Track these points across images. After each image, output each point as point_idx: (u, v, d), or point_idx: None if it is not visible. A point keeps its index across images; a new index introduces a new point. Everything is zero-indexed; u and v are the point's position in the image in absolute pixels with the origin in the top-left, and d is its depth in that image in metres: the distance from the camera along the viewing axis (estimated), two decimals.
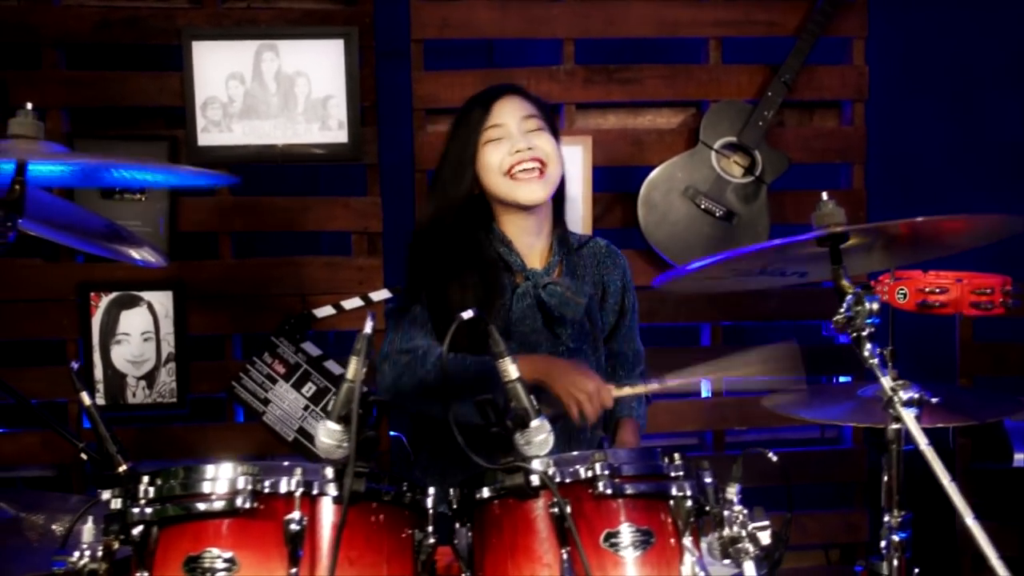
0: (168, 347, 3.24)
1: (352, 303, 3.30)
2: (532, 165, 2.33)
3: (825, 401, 2.45)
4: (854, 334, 1.85)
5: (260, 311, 3.30)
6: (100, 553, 1.58)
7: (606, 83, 3.38)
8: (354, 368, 1.62)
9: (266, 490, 1.57)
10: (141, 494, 1.59)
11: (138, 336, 3.22)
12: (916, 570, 1.91)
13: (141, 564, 1.55)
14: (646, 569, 1.62)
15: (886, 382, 1.79)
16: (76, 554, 1.58)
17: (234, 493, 1.55)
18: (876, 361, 1.81)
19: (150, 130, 3.26)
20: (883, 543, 1.87)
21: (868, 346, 1.83)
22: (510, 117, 2.37)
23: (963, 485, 3.34)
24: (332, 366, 3.28)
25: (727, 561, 1.67)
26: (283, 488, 1.57)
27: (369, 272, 3.32)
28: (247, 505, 1.54)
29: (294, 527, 1.53)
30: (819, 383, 3.64)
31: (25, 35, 3.17)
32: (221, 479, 1.58)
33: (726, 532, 1.68)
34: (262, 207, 3.28)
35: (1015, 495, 3.27)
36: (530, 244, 2.41)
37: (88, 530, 1.61)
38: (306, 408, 3.28)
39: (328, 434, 1.60)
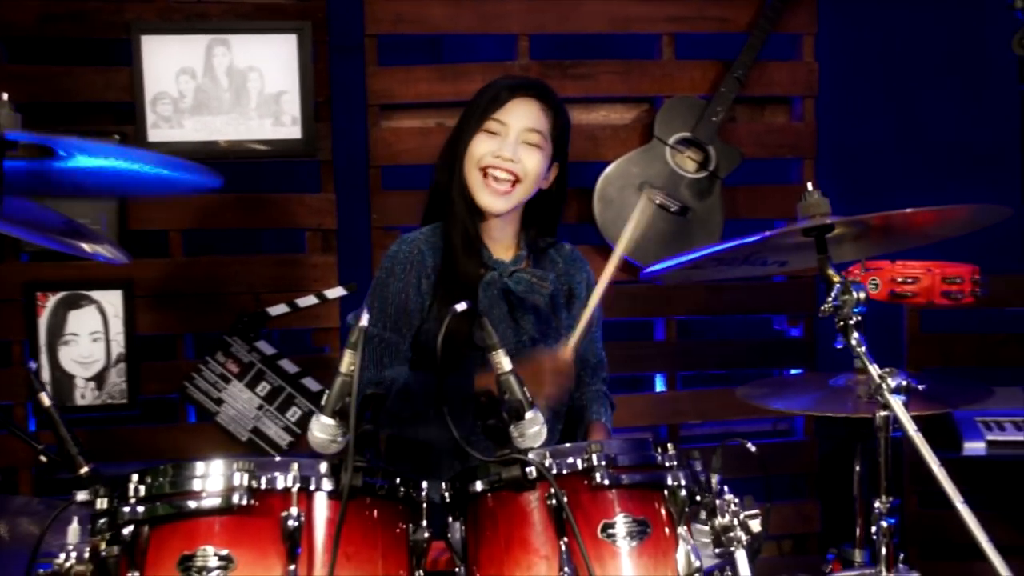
0: (118, 347, 3.17)
1: (307, 301, 3.26)
2: (505, 176, 2.31)
3: (796, 392, 2.48)
4: (840, 323, 1.87)
5: (212, 310, 3.25)
6: (87, 554, 1.54)
7: (560, 78, 3.37)
8: (348, 361, 1.59)
9: (263, 486, 1.54)
10: (131, 493, 1.55)
11: (87, 336, 3.15)
12: (902, 555, 1.94)
13: (132, 564, 1.52)
14: (643, 559, 1.63)
15: (874, 370, 1.82)
16: (62, 556, 1.54)
17: (230, 490, 1.52)
18: (863, 349, 1.84)
19: (98, 126, 3.19)
20: (873, 529, 1.90)
21: (855, 335, 1.85)
22: (517, 119, 2.33)
23: (909, 474, 3.45)
24: (287, 365, 3.24)
25: (718, 550, 1.68)
26: (280, 484, 1.55)
27: (324, 269, 3.29)
28: (244, 502, 1.52)
29: (292, 523, 1.51)
30: (775, 376, 3.70)
31: None
32: (216, 476, 1.55)
33: (718, 521, 1.69)
34: (214, 204, 3.23)
35: (961, 483, 3.33)
36: (496, 238, 2.40)
37: (73, 531, 1.57)
38: (260, 408, 3.23)
39: (322, 429, 1.58)
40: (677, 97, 3.37)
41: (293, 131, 3.20)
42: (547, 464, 1.63)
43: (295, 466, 1.56)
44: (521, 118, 2.34)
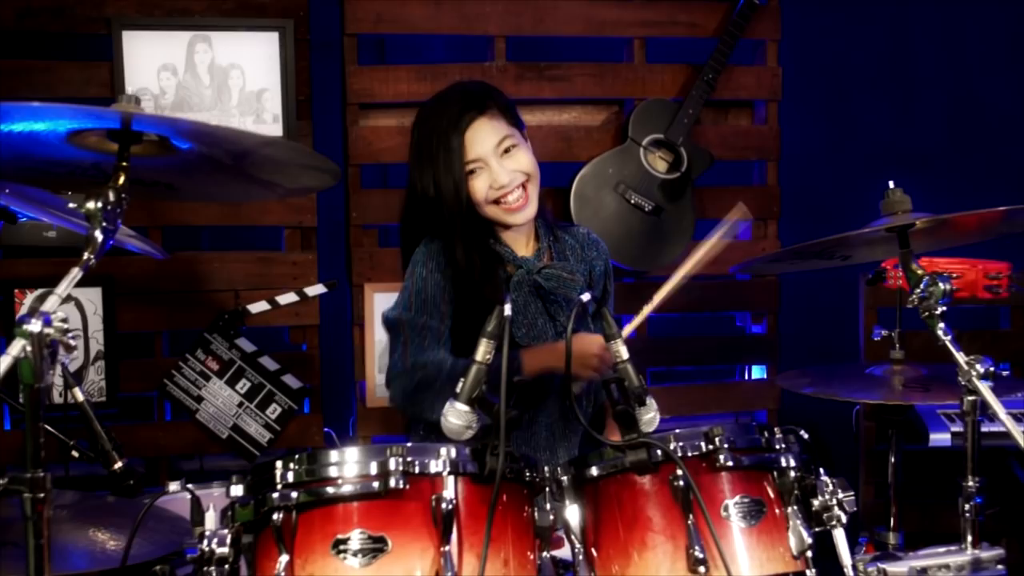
0: (97, 345, 3.15)
1: (287, 298, 3.27)
2: (517, 193, 2.34)
3: (837, 381, 2.58)
4: (925, 313, 1.97)
5: (192, 307, 3.24)
6: (229, 540, 1.56)
7: (537, 80, 3.45)
8: (485, 349, 1.64)
9: (416, 471, 1.57)
10: (279, 479, 1.57)
11: None
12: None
13: (282, 548, 1.54)
14: (761, 538, 1.70)
15: (961, 357, 1.92)
16: (204, 542, 1.55)
17: (386, 474, 1.55)
18: (949, 338, 1.94)
19: None
20: (966, 506, 1.97)
21: (941, 325, 1.95)
22: (484, 148, 2.32)
23: (869, 465, 3.58)
24: (267, 362, 3.25)
25: (816, 529, 1.76)
26: (432, 468, 1.58)
27: (303, 267, 3.31)
28: (400, 485, 1.55)
29: (445, 506, 1.54)
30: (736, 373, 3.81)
31: None
32: (370, 461, 1.58)
33: (818, 501, 1.76)
34: (193, 202, 3.22)
35: (924, 475, 3.48)
36: (514, 234, 2.44)
37: (211, 517, 1.58)
38: (240, 405, 3.23)
39: (457, 415, 1.63)
40: (651, 100, 3.46)
41: (274, 129, 3.22)
42: (672, 447, 1.69)
43: (443, 450, 1.59)
44: (486, 141, 2.32)
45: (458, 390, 1.64)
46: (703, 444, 1.72)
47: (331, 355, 3.43)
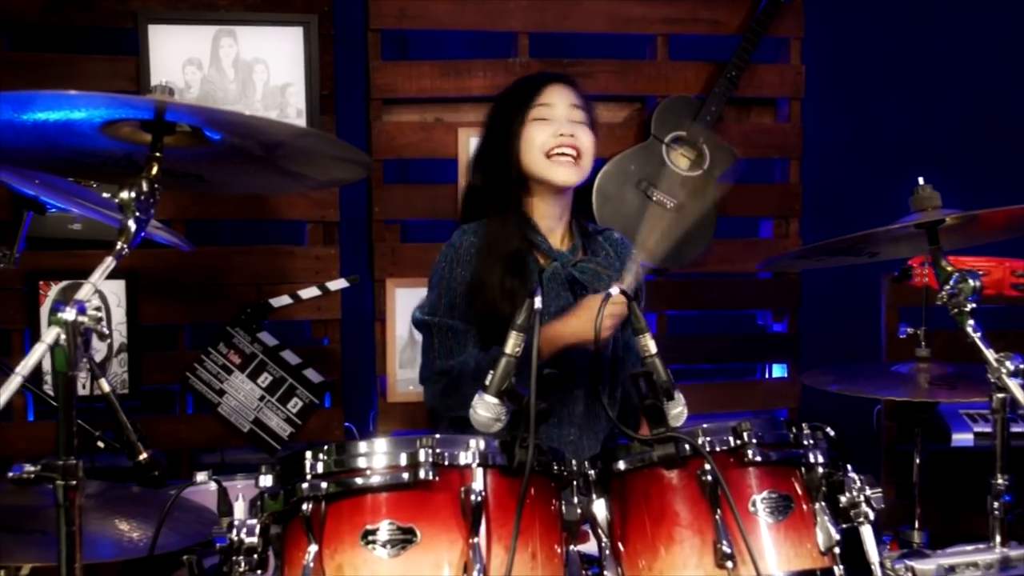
0: (120, 337, 3.16)
1: (309, 292, 3.28)
2: (570, 152, 2.40)
3: (863, 379, 2.57)
4: (955, 310, 1.97)
5: (215, 301, 3.26)
6: (258, 530, 1.56)
7: None
8: (514, 342, 1.65)
9: (446, 462, 1.57)
10: (308, 469, 1.58)
11: None
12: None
13: (312, 538, 1.55)
14: (789, 533, 1.70)
15: (990, 355, 1.92)
16: (233, 531, 1.56)
17: (415, 465, 1.55)
18: (978, 335, 1.94)
19: None
20: (995, 505, 1.97)
21: (971, 322, 1.95)
22: (560, 101, 2.45)
23: (890, 465, 3.57)
24: (289, 356, 3.26)
25: (844, 525, 1.75)
26: (462, 460, 1.59)
27: (326, 261, 3.31)
28: (430, 477, 1.55)
29: (475, 498, 1.54)
30: (757, 372, 3.80)
31: None
32: (400, 452, 1.58)
33: (845, 497, 1.76)
34: (217, 195, 3.23)
35: (946, 475, 3.46)
36: (551, 227, 2.47)
37: (240, 507, 1.59)
38: (262, 399, 3.24)
39: (487, 408, 1.64)
40: (674, 97, 3.46)
41: (298, 123, 3.22)
42: (700, 442, 1.69)
43: (472, 442, 1.60)
44: (563, 98, 2.46)
45: (487, 382, 1.64)
46: (731, 439, 1.72)
47: (352, 350, 3.44)
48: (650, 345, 1.75)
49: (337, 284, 3.29)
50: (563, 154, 2.41)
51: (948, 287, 1.97)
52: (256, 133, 1.57)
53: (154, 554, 1.67)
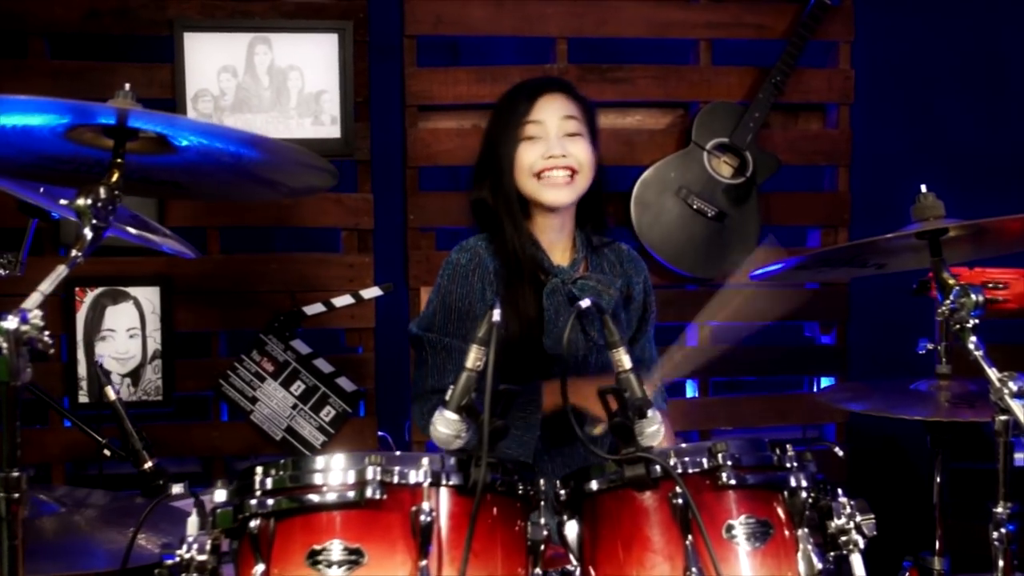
0: (154, 344, 3.17)
1: (342, 300, 3.26)
2: (563, 173, 2.33)
3: (878, 396, 2.47)
4: (956, 326, 1.88)
5: (248, 308, 3.25)
6: (208, 546, 1.53)
7: (599, 82, 3.38)
8: (475, 356, 1.60)
9: (396, 480, 1.53)
10: (257, 485, 1.55)
11: (124, 332, 3.16)
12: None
13: (258, 557, 1.51)
14: (767, 560, 1.62)
15: (993, 374, 1.82)
16: (184, 547, 1.53)
17: (363, 483, 1.51)
18: (980, 353, 1.84)
19: None
20: (995, 535, 1.88)
21: (972, 338, 1.86)
22: (551, 115, 2.36)
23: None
24: (322, 364, 3.24)
25: (832, 554, 1.67)
26: (412, 479, 1.54)
27: (360, 269, 3.29)
28: (377, 496, 1.51)
29: (424, 518, 1.50)
30: (804, 385, 3.70)
31: (10, 23, 3.09)
32: (348, 470, 1.54)
33: (834, 523, 1.67)
34: (251, 202, 3.23)
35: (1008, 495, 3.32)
36: (552, 241, 2.41)
37: (192, 523, 1.56)
38: (294, 407, 3.23)
39: (446, 424, 1.59)
40: (716, 102, 3.38)
41: (332, 130, 3.21)
42: (672, 463, 1.62)
43: (425, 460, 1.55)
44: (555, 111, 2.36)
45: (447, 397, 1.59)
46: (705, 460, 1.64)
47: (387, 358, 3.41)
48: (624, 360, 1.68)
49: (371, 292, 3.27)
50: (554, 176, 2.33)
51: (949, 302, 1.87)
52: (220, 141, 1.54)
53: (127, 567, 1.64)
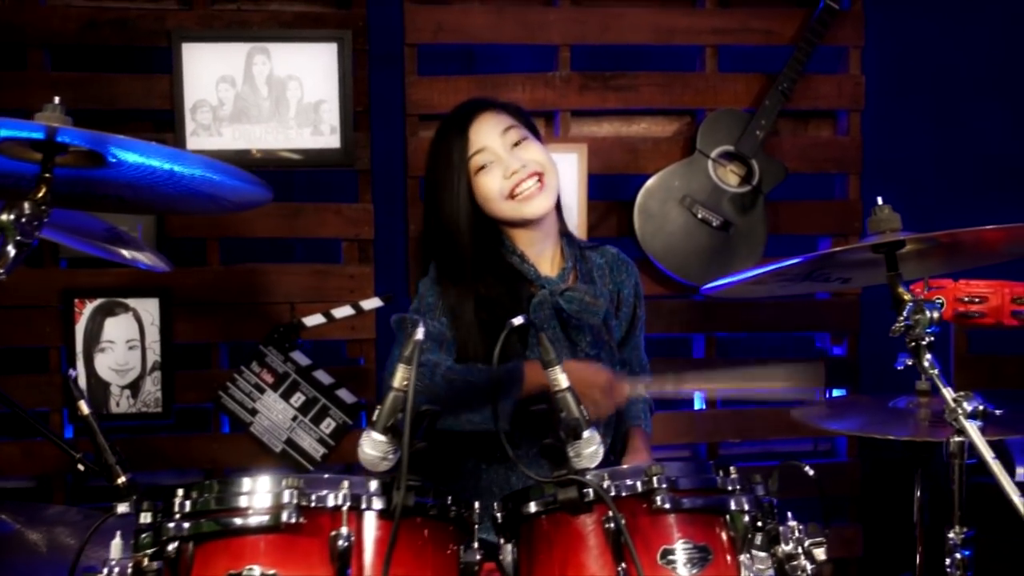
0: (154, 355, 3.16)
1: (343, 312, 3.23)
2: (531, 182, 2.28)
3: (854, 413, 2.40)
4: (912, 343, 1.82)
5: (248, 319, 3.23)
6: (130, 570, 1.51)
7: (602, 90, 3.34)
8: (402, 376, 1.55)
9: (312, 504, 1.50)
10: (176, 508, 1.52)
11: (123, 344, 3.15)
12: None
13: None
14: None
15: (948, 393, 1.75)
16: (104, 571, 1.51)
17: (279, 507, 1.48)
18: (936, 371, 1.78)
19: (138, 133, 3.16)
20: (947, 561, 1.82)
21: (928, 356, 1.80)
22: (489, 137, 2.29)
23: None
24: (322, 376, 3.21)
25: None
26: (330, 502, 1.51)
27: (360, 280, 3.26)
28: (293, 520, 1.48)
29: (342, 543, 1.46)
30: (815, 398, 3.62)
31: (9, 35, 3.09)
32: (264, 493, 1.51)
33: (782, 548, 1.62)
34: (251, 212, 3.18)
35: (1010, 512, 3.23)
36: (539, 251, 2.36)
37: (116, 546, 1.53)
38: (294, 419, 3.21)
39: (373, 445, 1.55)
40: (721, 110, 3.32)
41: (332, 140, 3.19)
42: (605, 486, 1.58)
43: (345, 484, 1.52)
44: (491, 131, 2.30)
45: (374, 418, 1.55)
46: (639, 483, 1.59)
47: None
48: (560, 380, 1.63)
49: (371, 303, 3.24)
50: (527, 188, 2.28)
51: (903, 318, 1.80)
52: (153, 156, 1.51)
53: None
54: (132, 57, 3.21)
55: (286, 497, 1.49)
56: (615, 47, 3.40)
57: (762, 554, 1.61)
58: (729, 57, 3.43)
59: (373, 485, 1.53)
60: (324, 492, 1.51)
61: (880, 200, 1.94)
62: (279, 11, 3.20)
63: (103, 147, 1.46)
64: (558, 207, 2.42)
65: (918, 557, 2.41)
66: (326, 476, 1.54)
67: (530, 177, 2.27)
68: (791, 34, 3.39)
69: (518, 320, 1.66)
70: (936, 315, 1.80)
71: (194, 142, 3.12)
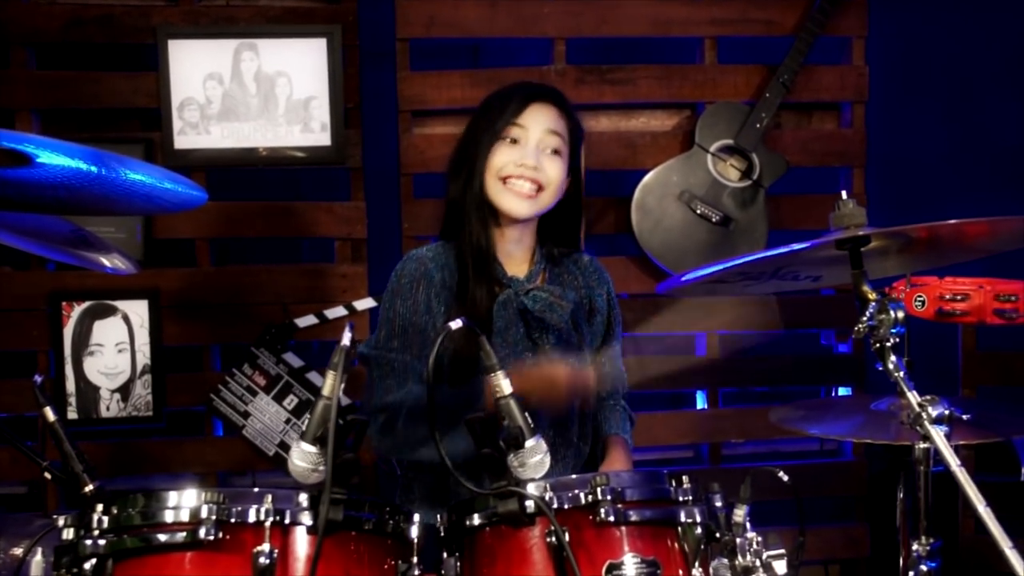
0: (144, 358, 3.10)
1: (335, 312, 3.17)
2: (527, 185, 2.21)
3: (835, 416, 2.32)
4: (876, 344, 1.74)
5: (239, 321, 3.17)
6: None
7: (598, 84, 3.27)
8: (331, 384, 1.49)
9: (232, 520, 1.44)
10: (95, 524, 1.47)
11: (112, 347, 3.09)
12: None
13: None
14: None
15: (913, 397, 1.68)
16: None
17: (197, 523, 1.42)
18: (901, 374, 1.70)
19: (124, 132, 3.14)
20: (911, 574, 1.74)
21: (892, 358, 1.72)
22: (536, 124, 2.23)
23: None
24: (315, 377, 3.15)
25: None
26: (251, 517, 1.45)
27: (353, 280, 3.20)
28: (211, 536, 1.41)
29: (263, 560, 1.41)
30: (820, 396, 3.55)
31: None
32: (183, 508, 1.45)
33: (739, 561, 1.56)
34: (241, 212, 3.15)
35: (1017, 510, 3.16)
36: (509, 252, 2.29)
37: (37, 563, 1.48)
38: (287, 421, 3.15)
39: (302, 456, 1.49)
40: (720, 103, 3.24)
41: (322, 138, 3.12)
42: (547, 498, 1.51)
43: (269, 497, 1.45)
44: (542, 121, 2.24)
45: (304, 428, 1.48)
46: (583, 495, 1.53)
47: None
48: (503, 386, 1.57)
49: (364, 303, 3.18)
50: (519, 185, 2.21)
51: (866, 318, 1.72)
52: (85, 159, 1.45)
53: None
54: (118, 55, 3.15)
55: (204, 512, 1.43)
56: (612, 39, 3.33)
57: (724, 561, 1.54)
58: (728, 48, 3.36)
59: (302, 499, 1.47)
60: (244, 507, 1.45)
61: (844, 194, 1.87)
62: (267, 6, 3.13)
63: (23, 147, 1.39)
64: (555, 224, 2.34)
65: (901, 561, 2.34)
66: (254, 490, 1.48)
67: (530, 181, 2.20)
68: (792, 24, 3.31)
69: (456, 323, 1.59)
70: (901, 315, 1.71)
71: (182, 140, 3.06)
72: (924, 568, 1.76)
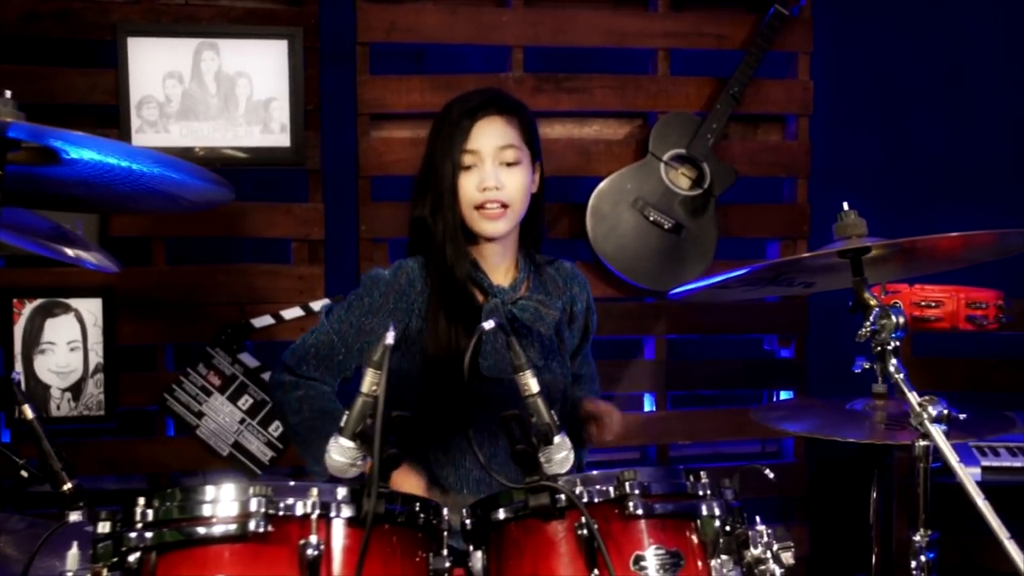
0: (96, 357, 3.08)
1: (292, 313, 3.18)
2: (495, 207, 2.24)
3: (811, 415, 2.40)
4: (877, 348, 1.83)
5: (195, 320, 3.16)
6: None
7: (555, 92, 3.33)
8: (371, 380, 1.51)
9: (281, 513, 1.46)
10: (138, 517, 1.47)
11: (64, 345, 3.06)
12: None
13: None
14: None
15: (913, 398, 1.76)
16: None
17: (246, 516, 1.44)
18: (902, 376, 1.79)
19: (80, 129, 3.08)
20: (913, 564, 1.83)
21: (893, 361, 1.81)
22: (487, 144, 2.24)
23: (901, 499, 3.40)
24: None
25: None
26: (299, 510, 1.47)
27: (310, 281, 3.21)
28: (261, 529, 1.43)
29: (311, 552, 1.43)
30: (763, 399, 3.66)
31: None
32: (230, 501, 1.47)
33: (750, 552, 1.62)
34: (198, 212, 3.12)
35: (956, 509, 3.29)
36: (494, 263, 2.33)
37: (73, 556, 1.47)
38: (242, 421, 3.15)
39: (341, 452, 1.51)
40: (673, 113, 3.33)
41: (282, 139, 3.13)
42: (578, 492, 1.56)
43: (314, 491, 1.48)
44: (491, 139, 2.25)
45: (343, 424, 1.51)
46: (612, 489, 1.59)
47: None
48: (531, 384, 1.62)
49: (321, 304, 3.20)
50: (489, 209, 2.24)
51: (869, 323, 1.83)
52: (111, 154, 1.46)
53: None
54: (75, 50, 3.12)
55: (253, 505, 1.45)
56: (568, 49, 3.39)
57: (730, 558, 1.61)
58: (681, 61, 3.45)
59: (341, 492, 1.50)
60: (292, 500, 1.47)
61: (846, 206, 1.97)
62: (229, 7, 3.14)
63: (58, 144, 1.40)
64: (529, 224, 2.39)
65: (874, 558, 2.43)
66: (292, 483, 1.49)
67: (495, 203, 2.24)
68: (742, 39, 3.41)
69: (490, 324, 1.64)
70: (902, 320, 1.81)
71: (140, 139, 3.04)
72: (923, 559, 1.85)
